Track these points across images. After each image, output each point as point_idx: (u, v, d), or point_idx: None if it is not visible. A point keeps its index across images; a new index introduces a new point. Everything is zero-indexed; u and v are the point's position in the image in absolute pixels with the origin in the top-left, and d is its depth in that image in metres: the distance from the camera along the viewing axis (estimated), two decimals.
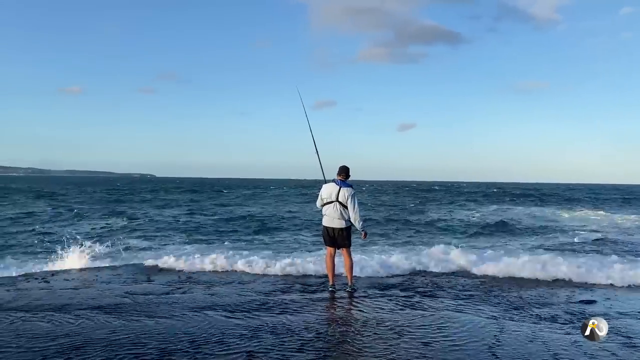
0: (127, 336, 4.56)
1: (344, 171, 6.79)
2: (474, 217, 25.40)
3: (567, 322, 5.42)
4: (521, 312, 5.83)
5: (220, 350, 4.22)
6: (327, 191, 6.71)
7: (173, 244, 14.11)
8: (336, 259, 6.95)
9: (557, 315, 5.74)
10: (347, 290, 6.79)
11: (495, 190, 71.53)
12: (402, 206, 33.87)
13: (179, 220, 21.77)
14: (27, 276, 8.06)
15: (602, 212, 27.87)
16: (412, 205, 35.02)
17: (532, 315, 5.73)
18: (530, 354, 4.29)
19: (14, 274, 8.50)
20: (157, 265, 9.04)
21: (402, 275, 8.27)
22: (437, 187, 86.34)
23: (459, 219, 23.77)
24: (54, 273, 8.35)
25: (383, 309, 5.86)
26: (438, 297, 6.56)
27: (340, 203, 6.58)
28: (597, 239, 14.88)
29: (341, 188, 6.63)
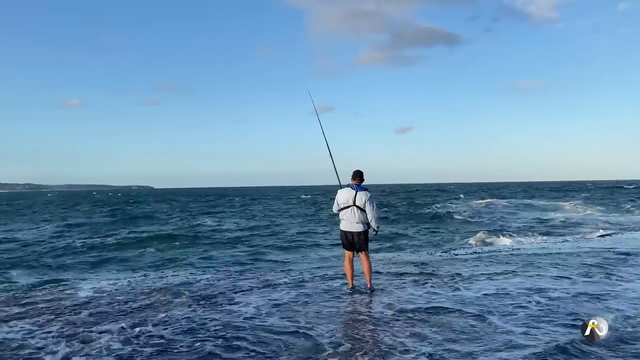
0: None
1: (359, 175, 6.91)
2: None
3: None
4: None
5: None
6: (344, 196, 6.84)
7: None
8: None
9: None
10: (367, 292, 6.90)
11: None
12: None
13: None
14: None
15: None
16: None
17: None
18: None
19: None
20: None
21: None
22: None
23: None
24: None
25: None
26: None
27: (358, 207, 6.71)
28: None
29: (357, 192, 6.76)
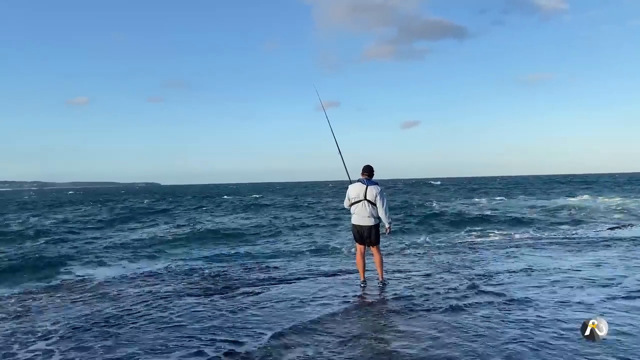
0: None
1: (368, 170, 7.00)
2: None
3: None
4: None
5: None
6: (355, 191, 6.92)
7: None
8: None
9: None
10: (379, 285, 7.02)
11: None
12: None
13: None
14: None
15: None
16: None
17: None
18: None
19: None
20: None
21: None
22: None
23: None
24: None
25: None
26: None
27: (369, 201, 6.80)
28: None
29: (368, 186, 6.84)
